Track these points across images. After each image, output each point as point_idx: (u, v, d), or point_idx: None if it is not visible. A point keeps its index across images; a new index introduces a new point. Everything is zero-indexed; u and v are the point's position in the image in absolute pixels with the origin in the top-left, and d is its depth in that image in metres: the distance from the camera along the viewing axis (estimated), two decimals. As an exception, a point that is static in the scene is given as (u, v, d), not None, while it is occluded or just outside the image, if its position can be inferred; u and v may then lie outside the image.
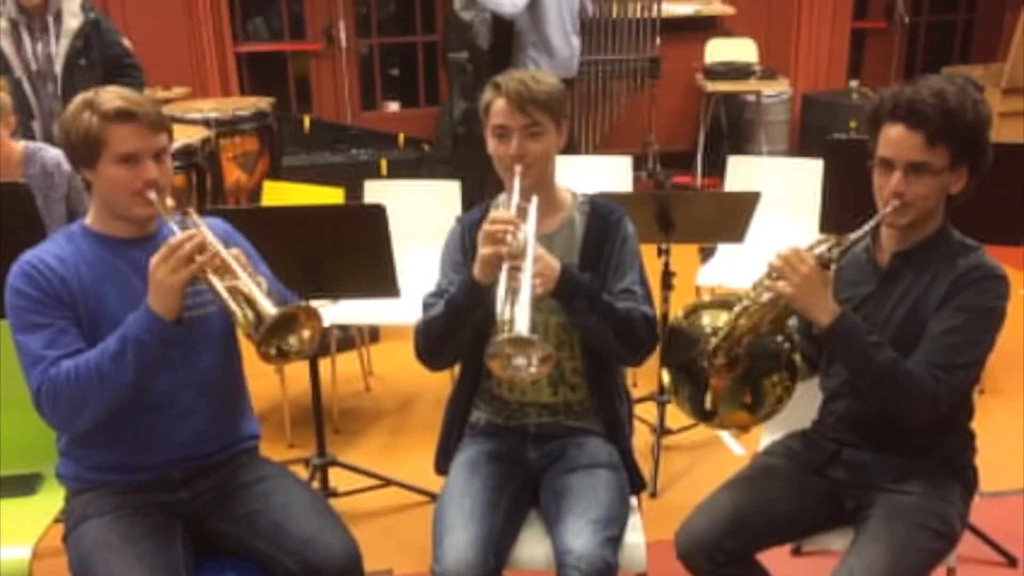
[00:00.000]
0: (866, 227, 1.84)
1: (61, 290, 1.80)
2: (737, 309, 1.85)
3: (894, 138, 1.81)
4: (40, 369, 1.76)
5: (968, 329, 1.81)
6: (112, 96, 1.80)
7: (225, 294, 1.72)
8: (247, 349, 2.02)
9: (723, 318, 1.87)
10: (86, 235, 1.90)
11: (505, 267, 1.78)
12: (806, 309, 1.81)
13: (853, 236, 1.83)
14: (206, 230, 1.78)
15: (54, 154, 2.97)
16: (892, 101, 1.82)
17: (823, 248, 1.83)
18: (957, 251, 1.88)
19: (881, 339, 1.82)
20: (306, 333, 1.75)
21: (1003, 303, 1.84)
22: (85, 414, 1.78)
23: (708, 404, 1.91)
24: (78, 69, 3.58)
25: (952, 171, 1.82)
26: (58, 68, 3.57)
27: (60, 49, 3.57)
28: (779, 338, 1.88)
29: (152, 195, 1.81)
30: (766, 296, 1.82)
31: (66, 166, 2.91)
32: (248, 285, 1.72)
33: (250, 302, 1.71)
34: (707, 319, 1.91)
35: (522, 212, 1.88)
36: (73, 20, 3.58)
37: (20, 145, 2.96)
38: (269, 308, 1.69)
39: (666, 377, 1.95)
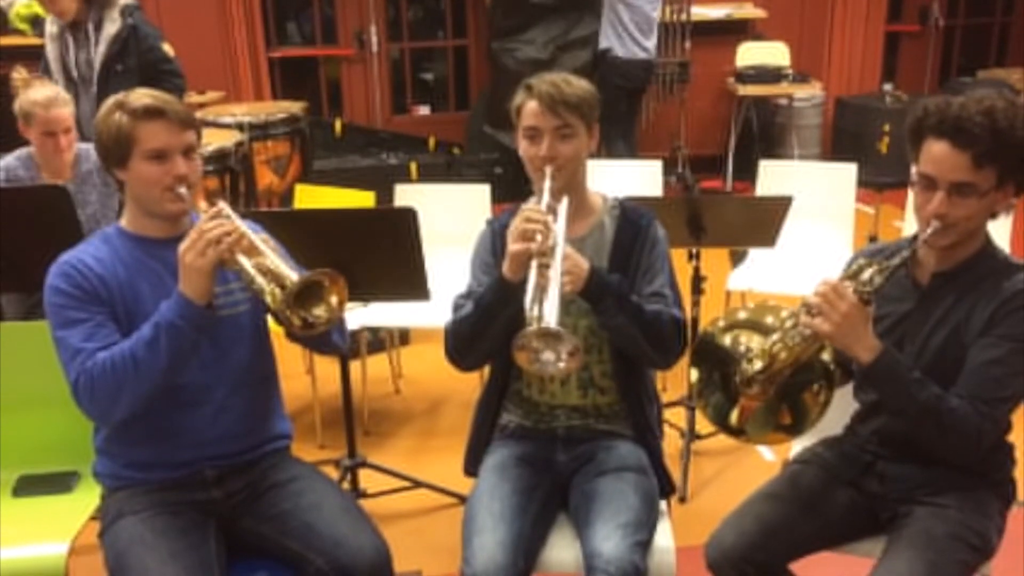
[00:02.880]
0: (905, 253, 1.77)
1: (99, 287, 1.84)
2: (774, 340, 1.79)
3: (938, 155, 1.73)
4: (78, 361, 1.79)
5: (1011, 360, 1.75)
6: (141, 95, 1.85)
7: (252, 271, 1.75)
8: (280, 349, 2.05)
9: (757, 340, 1.83)
10: (121, 236, 1.93)
11: (534, 264, 1.78)
12: (846, 347, 1.75)
13: (892, 263, 1.77)
14: (234, 216, 1.81)
15: None
16: (937, 115, 1.73)
17: (864, 276, 1.76)
18: (1001, 272, 1.81)
19: (923, 376, 1.76)
20: (333, 299, 1.77)
21: None
22: (122, 403, 1.81)
23: (734, 419, 1.87)
24: (114, 75, 3.63)
25: (998, 190, 1.75)
26: (96, 73, 3.63)
27: (98, 55, 3.63)
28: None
29: (183, 190, 1.85)
30: (805, 332, 1.75)
31: None
32: (274, 260, 1.76)
33: (276, 277, 1.74)
34: (743, 338, 1.87)
35: (552, 212, 1.88)
36: (112, 26, 3.64)
37: (74, 145, 3.07)
38: (294, 276, 1.72)
39: (694, 375, 1.91)
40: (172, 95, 1.93)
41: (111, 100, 1.87)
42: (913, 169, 1.81)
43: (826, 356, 1.82)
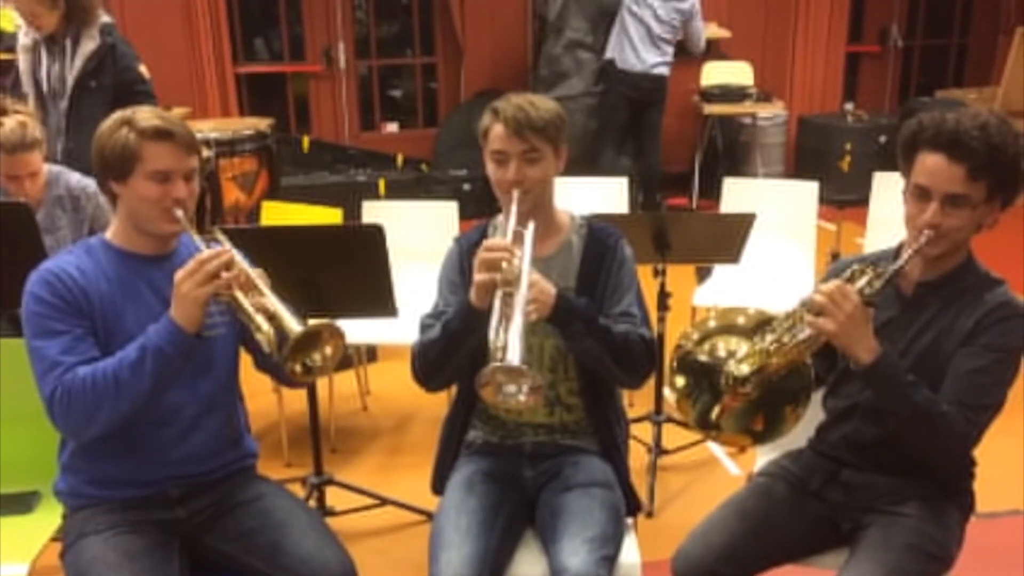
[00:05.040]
0: (903, 259, 1.81)
1: (80, 299, 1.82)
2: (770, 341, 1.81)
3: (933, 167, 1.77)
4: (56, 374, 1.77)
5: (994, 370, 1.80)
6: (150, 115, 1.86)
7: (251, 310, 1.74)
8: (244, 369, 2.04)
9: (735, 342, 1.85)
10: (106, 249, 1.91)
11: (499, 293, 1.79)
12: (848, 347, 1.78)
13: (889, 268, 1.80)
14: (232, 249, 1.81)
15: (77, 176, 3.02)
16: (933, 129, 1.78)
17: (863, 281, 1.80)
18: (983, 285, 1.86)
19: (917, 379, 1.80)
20: (328, 350, 1.77)
21: None
22: (98, 421, 1.79)
23: (714, 415, 1.89)
24: (87, 91, 3.58)
25: (987, 203, 1.80)
26: (69, 88, 3.59)
27: (73, 70, 3.59)
28: None
29: (179, 212, 1.85)
30: (805, 333, 1.78)
31: (91, 187, 2.95)
32: (274, 302, 1.75)
33: (275, 320, 1.73)
34: (721, 343, 1.89)
35: (519, 237, 1.89)
36: (90, 43, 3.59)
37: (44, 168, 3.00)
38: (295, 325, 1.71)
39: (680, 382, 1.91)
40: None
41: (116, 116, 1.86)
42: (903, 182, 1.86)
43: (812, 375, 1.85)
